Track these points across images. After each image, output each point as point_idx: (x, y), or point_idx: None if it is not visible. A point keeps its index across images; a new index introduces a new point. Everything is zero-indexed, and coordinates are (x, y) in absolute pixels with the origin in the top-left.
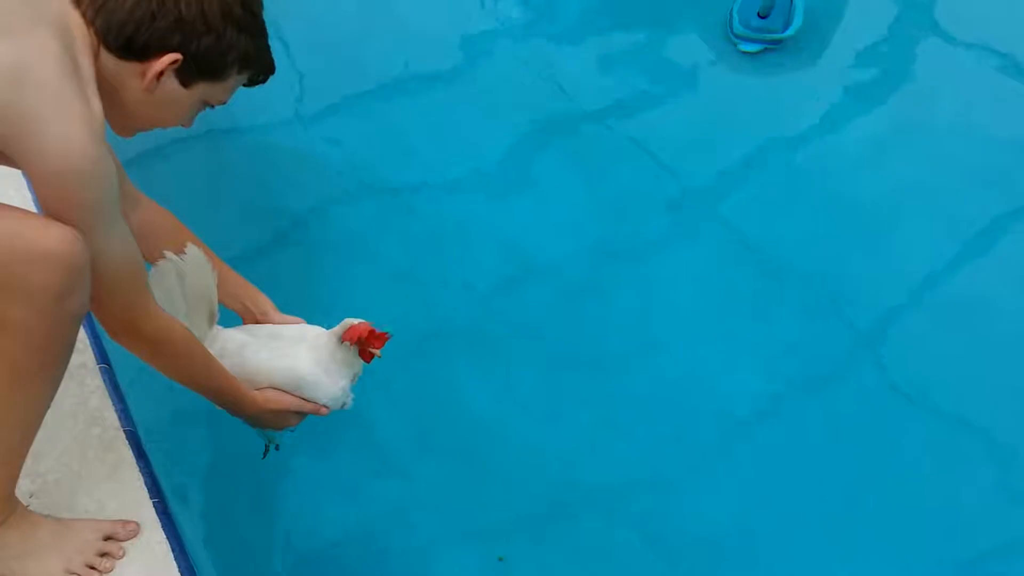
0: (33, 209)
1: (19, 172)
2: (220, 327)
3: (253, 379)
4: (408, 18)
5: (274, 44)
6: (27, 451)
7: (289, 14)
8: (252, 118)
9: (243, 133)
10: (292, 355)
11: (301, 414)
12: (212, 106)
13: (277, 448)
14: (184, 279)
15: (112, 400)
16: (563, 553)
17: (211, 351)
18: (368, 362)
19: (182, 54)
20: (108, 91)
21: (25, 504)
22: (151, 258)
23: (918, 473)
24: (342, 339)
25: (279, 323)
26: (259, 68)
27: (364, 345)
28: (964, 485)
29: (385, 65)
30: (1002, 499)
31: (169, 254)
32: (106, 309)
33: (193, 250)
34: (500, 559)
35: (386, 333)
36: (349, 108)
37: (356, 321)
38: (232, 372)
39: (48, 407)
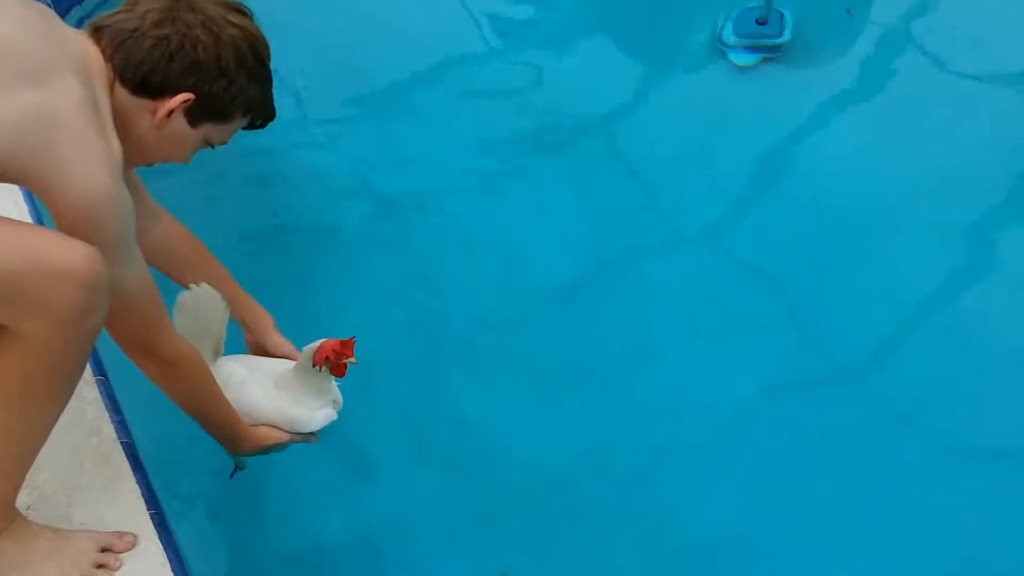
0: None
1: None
2: (223, 358)
3: (250, 414)
4: (403, 27)
5: (273, 50)
6: (31, 464)
7: (286, 22)
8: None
9: (239, 141)
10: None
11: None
12: (213, 146)
13: (243, 468)
14: (197, 313)
15: (109, 412)
16: (563, 562)
17: None
18: (343, 375)
19: (194, 95)
20: (120, 124)
21: (23, 515)
22: (166, 270)
23: (910, 483)
24: (314, 364)
25: (275, 343)
26: (262, 114)
27: (336, 359)
28: (956, 496)
29: (380, 73)
30: (995, 511)
31: (185, 291)
32: (123, 329)
33: (207, 287)
34: (502, 574)
35: (351, 339)
36: (345, 116)
37: (317, 344)
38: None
39: (55, 423)
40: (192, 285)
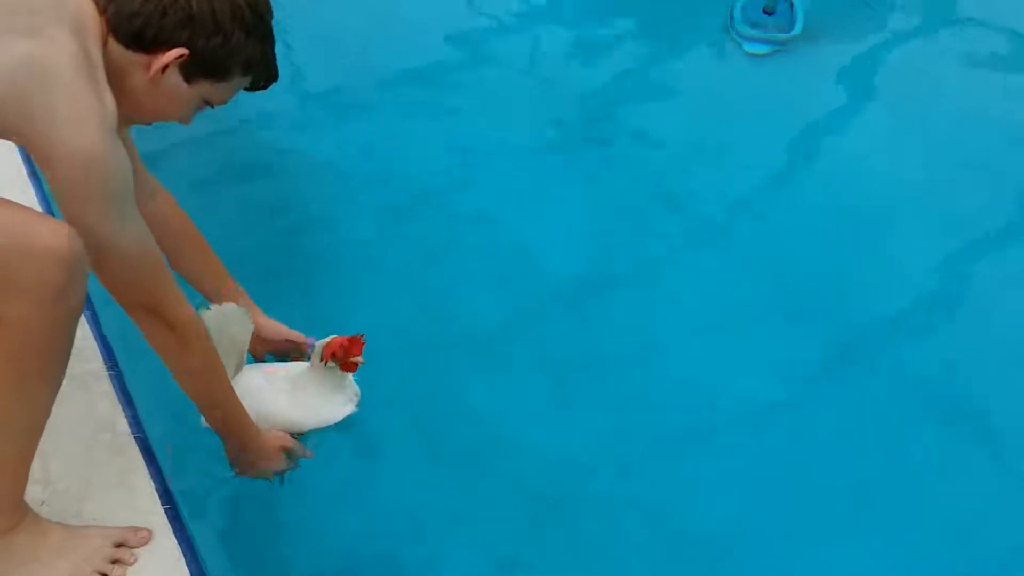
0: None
1: (19, 172)
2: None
3: (272, 417)
4: (412, 18)
5: (280, 44)
6: (32, 457)
7: (295, 15)
8: (257, 120)
9: (248, 135)
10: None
11: (293, 457)
12: (213, 105)
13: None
14: (222, 331)
15: (122, 406)
16: (572, 553)
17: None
18: (354, 371)
19: (188, 50)
20: (114, 79)
21: (36, 511)
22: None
23: (922, 473)
24: (323, 359)
25: (266, 325)
26: (263, 73)
27: (345, 356)
28: (968, 486)
29: (390, 64)
30: (1007, 499)
31: (213, 305)
32: (125, 287)
33: (233, 306)
34: (510, 563)
35: (359, 336)
36: (354, 107)
37: (327, 340)
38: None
39: (50, 411)
40: (213, 304)
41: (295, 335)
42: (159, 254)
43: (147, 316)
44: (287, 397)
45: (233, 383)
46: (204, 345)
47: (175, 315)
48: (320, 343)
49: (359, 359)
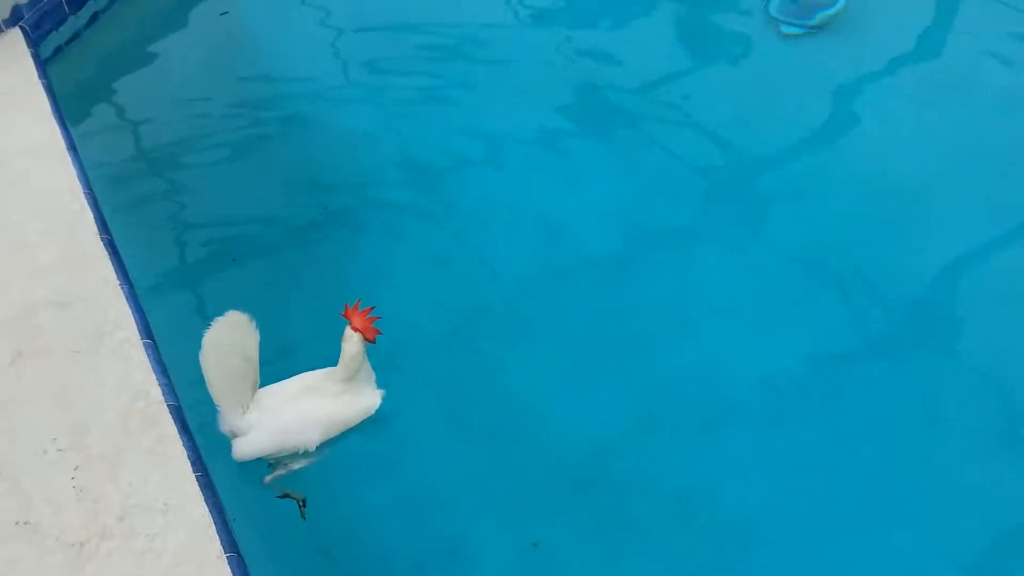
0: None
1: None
2: (258, 393)
3: (316, 422)
4: (444, 3)
5: (320, 21)
6: None
7: None
8: (295, 97)
9: (287, 110)
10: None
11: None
12: None
13: (304, 504)
14: (230, 341)
15: (156, 375)
16: (596, 536)
17: (254, 415)
18: (373, 341)
19: None
20: None
21: (70, 476)
22: None
23: (951, 461)
24: (353, 326)
25: None
26: None
27: (367, 322)
28: (999, 476)
29: (423, 45)
30: None
31: (214, 321)
32: None
33: (236, 313)
34: (534, 544)
35: (357, 303)
36: (386, 87)
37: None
38: (274, 431)
39: None
40: (214, 321)
41: None
42: None
43: None
44: (329, 399)
45: (254, 406)
46: None
47: None
48: (349, 342)
49: (376, 329)
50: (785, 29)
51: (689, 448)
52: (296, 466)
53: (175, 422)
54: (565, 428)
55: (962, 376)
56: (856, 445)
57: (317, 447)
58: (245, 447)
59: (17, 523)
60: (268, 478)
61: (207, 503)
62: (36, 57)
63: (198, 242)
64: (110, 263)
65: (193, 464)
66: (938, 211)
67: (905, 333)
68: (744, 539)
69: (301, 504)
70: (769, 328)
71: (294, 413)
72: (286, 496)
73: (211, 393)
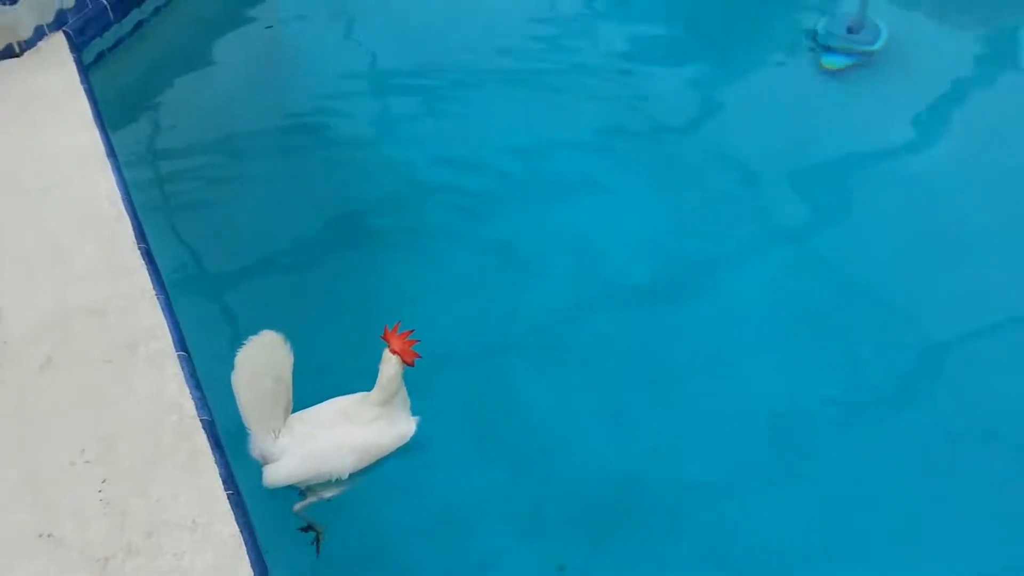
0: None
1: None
2: (290, 418)
3: (353, 450)
4: (484, 21)
5: (354, 38)
6: None
7: (371, 10)
8: (332, 113)
9: (323, 125)
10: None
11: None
12: None
13: (322, 535)
14: (265, 361)
15: (190, 388)
16: (622, 563)
17: (286, 440)
18: (412, 364)
19: None
20: None
21: (97, 489)
22: None
23: (978, 504)
24: (392, 349)
25: None
26: None
27: (406, 345)
28: None
29: (462, 65)
30: None
31: (248, 340)
32: None
33: (270, 333)
34: (560, 568)
35: (396, 326)
36: (424, 109)
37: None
38: (306, 458)
39: None
40: (248, 340)
41: None
42: None
43: None
44: (363, 426)
45: (286, 432)
46: None
47: None
48: (387, 366)
49: (415, 352)
50: (825, 62)
51: (715, 479)
52: (328, 495)
53: (208, 437)
54: (594, 455)
55: (998, 418)
56: (889, 481)
57: (350, 475)
58: (277, 473)
59: (41, 535)
60: (298, 506)
61: (237, 522)
62: (78, 62)
63: (231, 254)
64: (146, 272)
65: (224, 482)
66: (983, 250)
67: (945, 371)
68: (773, 568)
69: (318, 538)
70: (807, 361)
71: (327, 440)
72: (309, 529)
73: (242, 416)
